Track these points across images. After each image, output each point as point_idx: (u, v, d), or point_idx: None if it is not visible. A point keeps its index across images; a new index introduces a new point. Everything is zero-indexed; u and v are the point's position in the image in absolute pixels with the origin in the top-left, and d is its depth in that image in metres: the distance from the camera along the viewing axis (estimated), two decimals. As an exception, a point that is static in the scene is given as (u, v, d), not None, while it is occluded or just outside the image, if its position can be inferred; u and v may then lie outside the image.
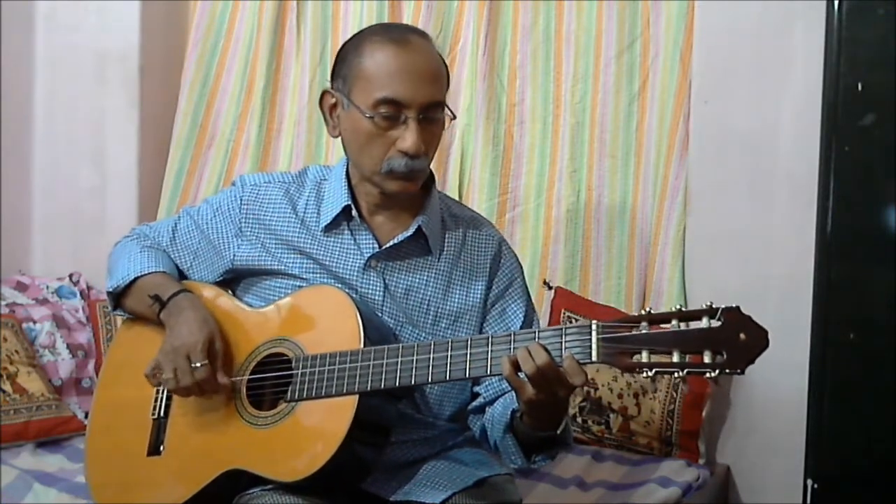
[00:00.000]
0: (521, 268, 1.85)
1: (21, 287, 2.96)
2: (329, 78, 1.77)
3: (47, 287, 2.98)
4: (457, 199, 2.84)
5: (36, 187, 3.22)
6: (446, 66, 1.72)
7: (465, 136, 2.91)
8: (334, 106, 1.72)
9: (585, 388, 2.64)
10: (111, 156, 3.16)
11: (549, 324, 2.72)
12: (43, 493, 2.24)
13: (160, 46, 3.16)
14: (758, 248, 2.63)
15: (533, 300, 1.86)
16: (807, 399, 2.42)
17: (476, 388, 1.76)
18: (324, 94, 1.74)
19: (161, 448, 1.72)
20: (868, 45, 2.30)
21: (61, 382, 2.72)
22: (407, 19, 2.94)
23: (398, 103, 1.63)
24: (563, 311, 2.75)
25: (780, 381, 2.59)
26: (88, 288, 3.03)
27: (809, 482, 2.39)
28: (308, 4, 3.05)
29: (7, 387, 2.56)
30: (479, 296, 1.77)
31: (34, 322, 2.79)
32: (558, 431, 1.56)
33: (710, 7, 2.66)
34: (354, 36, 1.74)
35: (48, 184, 3.21)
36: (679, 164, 2.73)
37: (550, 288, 2.82)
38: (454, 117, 1.73)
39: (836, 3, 2.31)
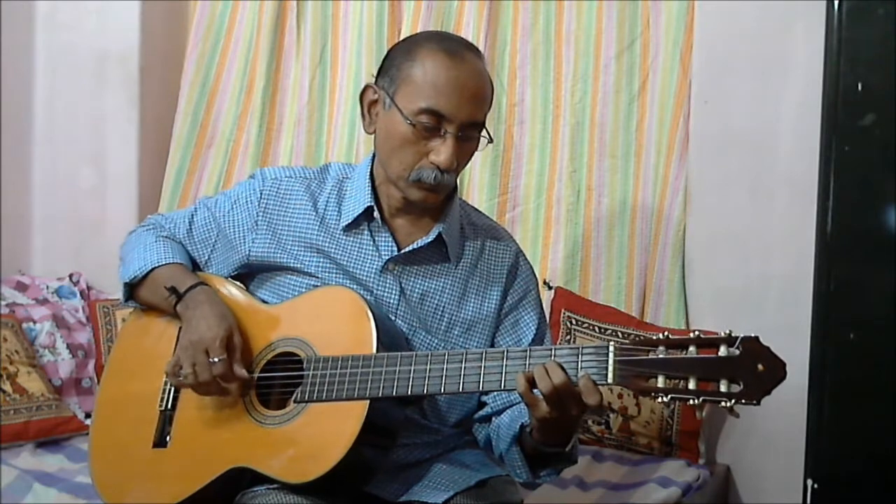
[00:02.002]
0: (536, 280, 1.85)
1: (21, 287, 2.96)
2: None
3: (47, 287, 2.98)
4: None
5: (36, 187, 3.22)
6: (492, 88, 1.71)
7: (465, 136, 2.91)
8: (374, 102, 1.70)
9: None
10: (111, 156, 3.16)
11: (549, 324, 2.72)
12: (43, 493, 2.24)
13: (160, 46, 3.16)
14: (758, 248, 2.63)
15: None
16: (807, 399, 2.42)
17: (483, 398, 1.76)
18: (366, 88, 1.72)
19: (167, 440, 1.72)
20: (868, 45, 2.29)
21: (61, 382, 2.72)
22: (407, 19, 2.94)
23: (441, 116, 1.61)
24: (562, 311, 2.75)
25: (780, 380, 2.58)
26: (88, 288, 3.03)
27: (809, 482, 2.38)
28: (308, 4, 3.05)
29: (7, 387, 2.56)
30: (493, 305, 1.76)
31: (34, 322, 2.79)
32: (567, 448, 1.56)
33: (710, 7, 2.66)
34: (408, 38, 1.74)
35: (48, 184, 3.21)
36: (679, 164, 2.73)
37: (550, 288, 2.82)
38: (491, 140, 1.71)
39: (836, 3, 2.31)
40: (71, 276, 3.06)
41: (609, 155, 2.82)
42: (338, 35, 3.03)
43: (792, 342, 2.49)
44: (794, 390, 2.48)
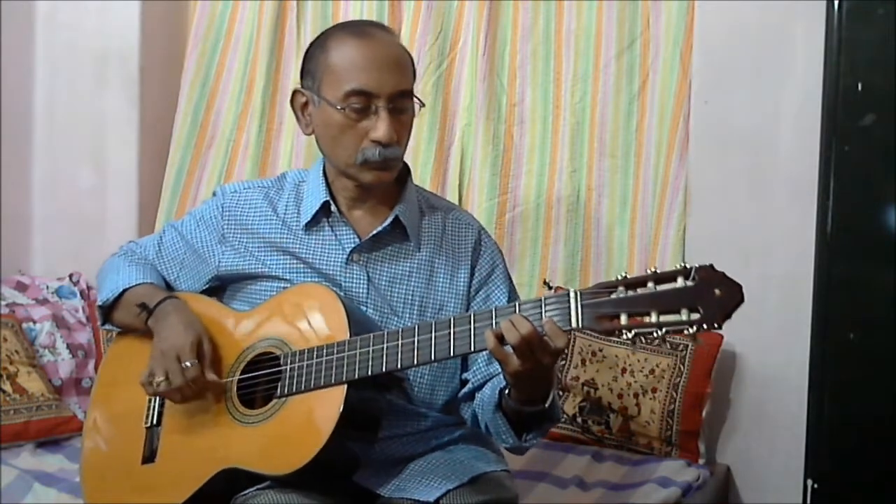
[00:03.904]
0: (502, 254, 1.89)
1: (21, 287, 2.96)
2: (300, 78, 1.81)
3: (47, 287, 2.98)
4: (457, 199, 2.86)
5: (36, 187, 3.22)
6: (411, 57, 1.77)
7: (465, 136, 2.91)
8: (305, 104, 1.78)
9: (585, 388, 2.64)
10: (111, 156, 3.15)
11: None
12: (43, 493, 2.24)
13: (160, 46, 3.16)
14: (758, 248, 2.63)
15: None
16: (807, 399, 2.42)
17: (464, 375, 1.79)
18: (294, 93, 1.79)
19: (155, 456, 1.73)
20: (868, 45, 2.30)
21: (61, 382, 2.72)
22: (407, 19, 2.94)
23: (368, 94, 1.67)
24: (563, 311, 2.75)
25: (780, 380, 2.59)
26: (88, 288, 3.03)
27: (809, 482, 2.39)
28: (308, 4, 3.05)
29: (7, 387, 2.56)
30: (463, 284, 1.80)
31: (34, 322, 2.79)
32: (546, 405, 1.58)
33: (710, 7, 2.66)
34: (319, 35, 1.79)
35: (48, 184, 3.21)
36: (679, 164, 2.72)
37: (550, 288, 2.82)
38: (423, 104, 1.77)
39: (836, 3, 2.31)
40: (71, 276, 3.06)
41: (609, 155, 2.82)
42: (338, 35, 3.03)
43: (792, 342, 2.52)
44: (794, 390, 2.51)
